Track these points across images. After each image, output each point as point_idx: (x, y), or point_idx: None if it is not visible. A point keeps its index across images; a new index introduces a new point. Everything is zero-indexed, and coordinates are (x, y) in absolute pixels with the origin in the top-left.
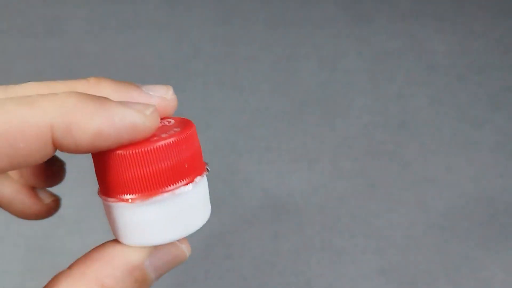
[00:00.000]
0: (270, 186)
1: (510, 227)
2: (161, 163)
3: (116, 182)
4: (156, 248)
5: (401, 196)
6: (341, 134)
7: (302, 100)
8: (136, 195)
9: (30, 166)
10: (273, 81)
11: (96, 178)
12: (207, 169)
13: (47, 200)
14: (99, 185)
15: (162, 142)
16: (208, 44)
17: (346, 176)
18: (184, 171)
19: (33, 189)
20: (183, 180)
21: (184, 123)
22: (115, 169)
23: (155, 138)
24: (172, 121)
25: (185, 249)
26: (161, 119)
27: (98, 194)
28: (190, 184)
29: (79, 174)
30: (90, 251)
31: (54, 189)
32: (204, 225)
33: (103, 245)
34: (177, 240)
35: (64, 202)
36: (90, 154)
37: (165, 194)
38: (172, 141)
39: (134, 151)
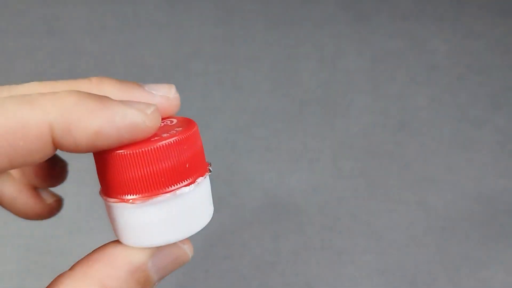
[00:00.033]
0: (270, 186)
1: (510, 227)
2: (162, 163)
3: (117, 182)
4: (158, 249)
5: (401, 196)
6: (341, 134)
7: (302, 100)
8: (137, 195)
9: (31, 165)
10: (273, 81)
11: (97, 178)
12: (210, 169)
13: (49, 200)
14: (101, 185)
15: (162, 142)
16: (208, 44)
17: (346, 176)
18: (186, 172)
19: (35, 189)
20: (184, 181)
21: (187, 123)
22: (116, 169)
23: (156, 137)
24: (175, 120)
25: (188, 250)
26: (163, 118)
27: (100, 194)
28: (192, 185)
29: (81, 174)
30: (92, 252)
31: (56, 189)
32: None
33: (105, 245)
34: (179, 241)
35: (66, 202)
36: (92, 154)
37: (166, 195)
38: (173, 141)
39: (134, 151)
